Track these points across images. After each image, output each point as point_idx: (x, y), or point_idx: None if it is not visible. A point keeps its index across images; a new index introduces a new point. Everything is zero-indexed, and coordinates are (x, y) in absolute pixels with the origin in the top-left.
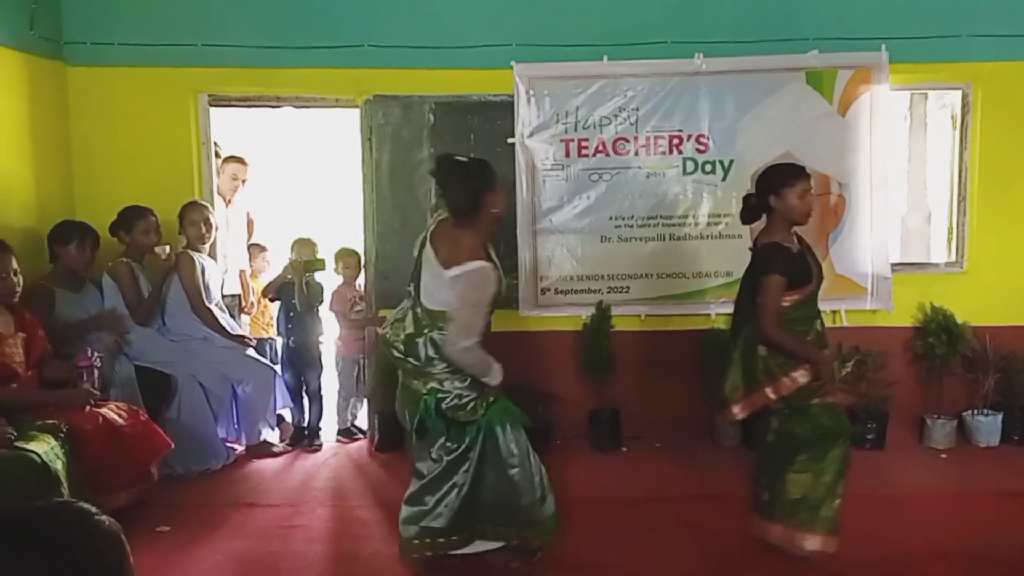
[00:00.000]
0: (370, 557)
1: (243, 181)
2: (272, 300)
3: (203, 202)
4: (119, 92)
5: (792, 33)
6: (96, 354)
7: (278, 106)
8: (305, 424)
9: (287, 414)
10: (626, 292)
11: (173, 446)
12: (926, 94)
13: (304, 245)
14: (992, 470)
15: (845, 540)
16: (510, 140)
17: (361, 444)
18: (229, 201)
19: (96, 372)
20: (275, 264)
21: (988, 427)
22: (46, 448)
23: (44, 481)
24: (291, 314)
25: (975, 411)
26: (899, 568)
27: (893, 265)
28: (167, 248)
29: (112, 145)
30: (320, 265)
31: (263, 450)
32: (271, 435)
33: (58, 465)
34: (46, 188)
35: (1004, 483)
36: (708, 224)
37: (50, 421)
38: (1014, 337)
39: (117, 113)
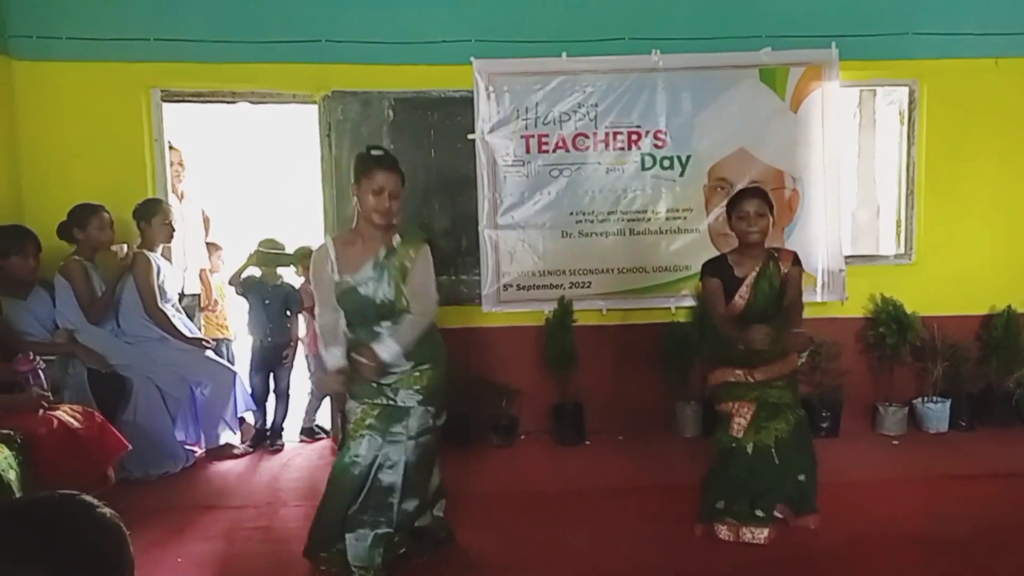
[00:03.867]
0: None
1: (181, 165)
2: (239, 294)
3: (166, 201)
4: (68, 88)
5: (745, 31)
6: (38, 357)
7: (233, 102)
8: (268, 425)
9: (249, 416)
10: (587, 287)
11: (130, 447)
12: (875, 91)
13: (270, 246)
14: (941, 455)
15: (802, 526)
16: (470, 136)
17: (324, 444)
18: (181, 195)
19: (41, 375)
20: (230, 263)
21: (937, 414)
22: None
23: None
24: (266, 313)
25: (925, 399)
26: (855, 552)
27: (845, 258)
28: (124, 247)
29: (61, 143)
30: (287, 260)
31: (223, 452)
32: (232, 437)
33: (11, 475)
34: None
35: (953, 467)
36: (667, 219)
37: (4, 430)
38: (961, 327)
39: (66, 110)
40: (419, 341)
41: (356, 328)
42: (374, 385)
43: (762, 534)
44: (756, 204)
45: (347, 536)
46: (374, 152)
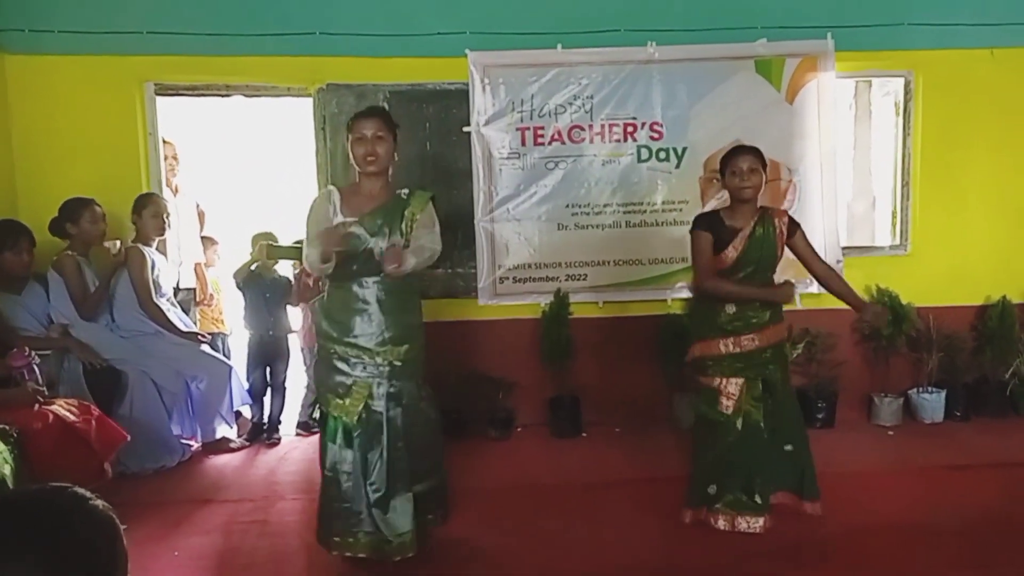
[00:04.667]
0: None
1: (175, 159)
2: (238, 288)
3: (159, 194)
4: (61, 82)
5: (741, 22)
6: (33, 352)
7: (228, 95)
8: (265, 419)
9: (246, 410)
10: (584, 279)
11: (128, 438)
12: (870, 82)
13: (264, 240)
14: (936, 445)
15: (798, 517)
16: (466, 129)
17: None
18: (176, 189)
19: (36, 370)
20: (226, 257)
21: (932, 404)
22: None
23: None
24: (267, 307)
25: (920, 389)
26: (852, 542)
27: (841, 249)
28: (118, 243)
29: (55, 138)
30: (295, 254)
31: (220, 446)
32: (228, 431)
33: (6, 470)
34: None
35: (948, 458)
36: (663, 211)
37: (0, 425)
38: (956, 317)
39: (59, 104)
40: (405, 313)
41: (340, 283)
42: (355, 360)
43: (758, 523)
44: (749, 160)
45: (378, 511)
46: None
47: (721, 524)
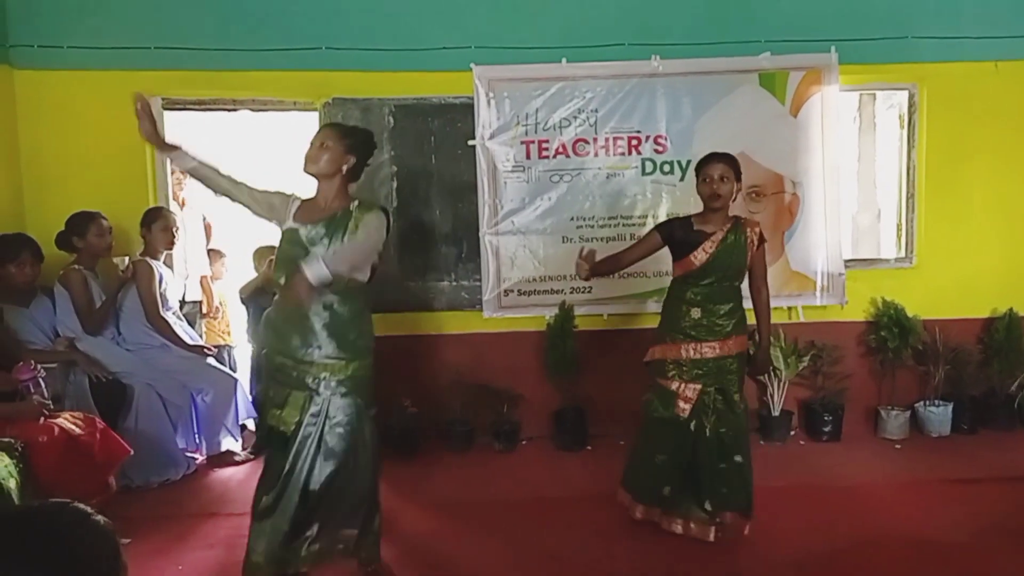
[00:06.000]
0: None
1: (182, 173)
2: (242, 302)
3: (165, 207)
4: (69, 97)
5: (744, 35)
6: (39, 365)
7: (234, 109)
8: None
9: (251, 423)
10: (588, 292)
11: (132, 452)
12: (874, 94)
13: (267, 254)
14: (944, 459)
15: (805, 531)
16: (471, 142)
17: None
18: (183, 202)
19: (42, 383)
20: (233, 270)
21: (939, 418)
22: None
23: None
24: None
25: (927, 402)
26: (858, 556)
27: (845, 261)
28: (127, 259)
29: (63, 152)
30: None
31: (225, 459)
32: (233, 444)
33: (11, 484)
34: None
35: (955, 471)
36: None
37: (5, 439)
38: (963, 330)
39: (68, 118)
40: (352, 331)
41: (281, 284)
42: (295, 374)
43: (710, 532)
44: (720, 168)
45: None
46: None
47: (678, 528)
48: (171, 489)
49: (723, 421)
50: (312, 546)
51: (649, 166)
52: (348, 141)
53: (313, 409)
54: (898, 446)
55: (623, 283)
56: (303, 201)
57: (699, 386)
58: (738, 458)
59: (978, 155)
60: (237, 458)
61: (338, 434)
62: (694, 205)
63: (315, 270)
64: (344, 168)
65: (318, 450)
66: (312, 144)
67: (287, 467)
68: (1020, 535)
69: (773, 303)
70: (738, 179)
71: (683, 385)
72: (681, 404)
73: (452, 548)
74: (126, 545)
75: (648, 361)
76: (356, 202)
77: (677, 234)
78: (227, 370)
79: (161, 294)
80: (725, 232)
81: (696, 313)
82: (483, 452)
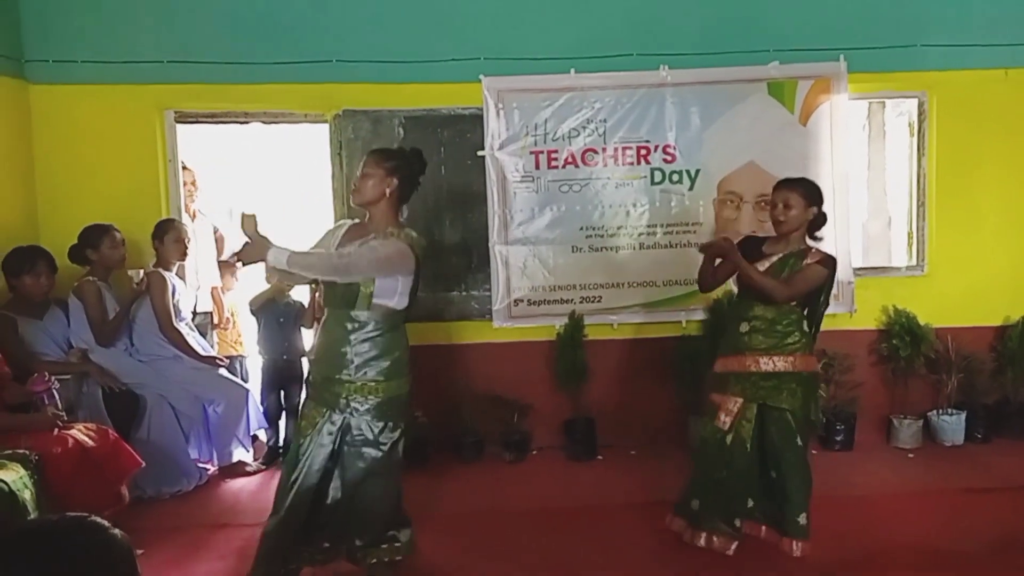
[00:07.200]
0: (348, 573)
1: (194, 184)
2: (252, 313)
3: (180, 220)
4: (83, 110)
5: (753, 45)
6: (53, 377)
7: (246, 122)
8: (280, 442)
9: (262, 434)
10: (598, 301)
11: (143, 464)
12: (883, 103)
13: None
14: (957, 468)
15: (817, 540)
16: (480, 153)
17: None
18: (194, 214)
19: (56, 394)
20: (244, 281)
21: (952, 426)
22: (14, 477)
23: (11, 511)
24: (281, 332)
25: (939, 411)
26: (871, 565)
27: (856, 269)
28: (141, 272)
29: (76, 165)
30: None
31: (236, 470)
32: (245, 455)
33: (26, 495)
34: (8, 210)
35: (969, 480)
36: (677, 232)
37: (20, 450)
38: (975, 338)
39: (81, 132)
40: (385, 356)
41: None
42: (327, 394)
43: (731, 547)
44: (782, 195)
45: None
46: None
47: (702, 543)
48: (183, 500)
49: (761, 437)
50: (317, 556)
51: (658, 176)
52: (388, 164)
53: (337, 424)
54: (911, 455)
55: (632, 292)
56: (352, 224)
57: (740, 400)
58: (773, 474)
59: (988, 162)
60: (249, 469)
61: (359, 452)
62: (703, 215)
63: (273, 254)
64: (387, 191)
65: (335, 464)
66: (359, 175)
67: (298, 476)
68: None
69: None
70: (812, 204)
71: (723, 398)
72: (721, 416)
73: (462, 559)
74: (139, 556)
75: (711, 375)
76: (390, 229)
77: (745, 251)
78: (239, 381)
79: (174, 305)
80: (783, 256)
81: (744, 327)
82: (493, 462)
